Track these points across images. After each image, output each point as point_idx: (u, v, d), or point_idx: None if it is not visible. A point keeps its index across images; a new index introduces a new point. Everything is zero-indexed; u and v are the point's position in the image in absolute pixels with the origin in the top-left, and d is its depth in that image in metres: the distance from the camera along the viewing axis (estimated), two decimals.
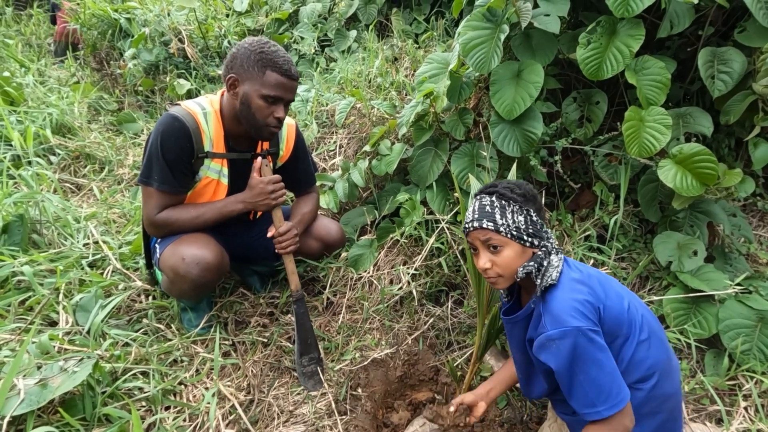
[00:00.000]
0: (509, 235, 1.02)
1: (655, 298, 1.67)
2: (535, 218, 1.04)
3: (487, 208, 1.04)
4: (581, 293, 0.97)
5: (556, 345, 0.93)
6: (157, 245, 1.55)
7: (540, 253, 1.04)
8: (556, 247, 1.07)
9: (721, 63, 1.66)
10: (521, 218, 1.02)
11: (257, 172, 1.54)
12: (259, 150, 1.61)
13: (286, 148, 1.68)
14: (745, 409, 1.43)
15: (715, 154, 1.61)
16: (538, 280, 1.01)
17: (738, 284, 1.58)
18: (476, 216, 1.05)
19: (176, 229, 1.50)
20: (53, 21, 5.33)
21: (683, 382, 1.49)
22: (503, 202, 1.04)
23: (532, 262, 1.03)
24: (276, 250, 1.56)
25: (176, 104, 1.49)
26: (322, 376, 1.52)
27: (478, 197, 1.08)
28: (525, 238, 1.03)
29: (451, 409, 1.27)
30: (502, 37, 1.69)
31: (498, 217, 1.02)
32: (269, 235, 1.56)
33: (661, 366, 1.02)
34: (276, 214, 1.56)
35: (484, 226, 1.03)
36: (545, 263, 1.02)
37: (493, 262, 1.04)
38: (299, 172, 1.75)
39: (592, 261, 1.77)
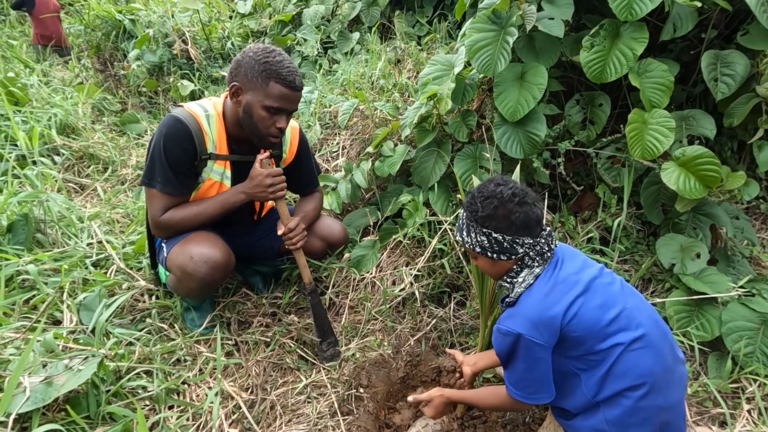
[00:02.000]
0: (475, 251, 1.10)
1: (657, 300, 1.67)
2: (499, 237, 1.05)
3: (460, 222, 1.13)
4: (544, 306, 1.03)
5: (501, 337, 1.07)
6: (163, 244, 1.55)
7: (515, 267, 1.09)
8: (539, 255, 1.07)
9: (725, 66, 1.66)
10: (483, 238, 1.07)
11: (259, 163, 1.52)
12: (261, 153, 1.62)
13: (289, 150, 1.69)
14: (749, 412, 1.43)
15: (718, 157, 1.62)
16: (510, 296, 1.10)
17: (741, 287, 1.58)
18: (456, 226, 1.16)
19: (181, 228, 1.51)
20: (16, 7, 5.17)
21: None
22: (468, 221, 1.09)
23: (507, 278, 1.10)
24: (286, 246, 1.57)
25: (179, 106, 1.50)
26: (340, 351, 1.63)
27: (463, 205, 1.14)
28: (489, 254, 1.08)
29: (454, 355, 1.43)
30: (510, 40, 1.69)
31: (465, 233, 1.10)
32: (279, 232, 1.56)
33: (652, 378, 1.00)
34: (282, 211, 1.57)
35: (458, 239, 1.15)
36: (515, 281, 1.09)
37: (476, 264, 1.17)
38: (302, 175, 1.76)
39: None
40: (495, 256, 1.07)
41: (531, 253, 1.06)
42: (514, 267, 1.09)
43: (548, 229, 1.09)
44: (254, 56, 1.39)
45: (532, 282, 1.06)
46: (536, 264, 1.07)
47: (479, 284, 1.46)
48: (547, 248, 1.07)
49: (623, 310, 1.03)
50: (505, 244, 1.04)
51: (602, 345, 1.01)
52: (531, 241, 1.05)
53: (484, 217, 1.04)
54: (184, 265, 1.45)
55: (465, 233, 1.09)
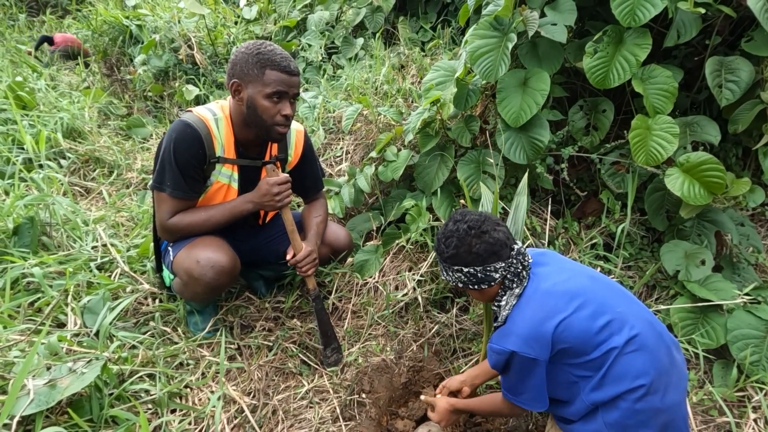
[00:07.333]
0: (459, 286, 1.14)
1: (662, 307, 1.66)
2: (471, 270, 1.09)
3: (439, 264, 1.17)
4: (533, 322, 1.05)
5: (496, 356, 1.11)
6: (170, 248, 1.56)
7: (500, 291, 1.13)
8: (515, 276, 1.10)
9: (729, 72, 1.66)
10: (459, 275, 1.11)
11: (265, 171, 1.55)
12: (268, 156, 1.63)
13: (294, 153, 1.70)
14: (755, 421, 1.41)
15: (723, 163, 1.61)
16: (498, 319, 1.14)
17: (746, 294, 1.57)
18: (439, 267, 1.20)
19: (189, 232, 1.52)
20: (44, 43, 5.27)
21: (691, 393, 1.47)
22: (441, 263, 1.14)
23: (495, 303, 1.14)
24: (297, 273, 1.60)
25: (188, 111, 1.51)
26: (343, 356, 1.64)
27: None
28: (471, 287, 1.12)
29: (437, 391, 1.40)
30: (510, 45, 1.70)
31: (445, 274, 1.16)
32: (288, 257, 1.57)
33: (649, 379, 1.01)
34: (286, 217, 1.56)
35: (443, 279, 1.20)
36: (500, 304, 1.12)
37: (470, 295, 1.21)
38: (307, 178, 1.76)
39: (598, 269, 1.77)
40: (476, 287, 1.11)
41: (508, 276, 1.10)
42: (500, 291, 1.12)
43: (516, 247, 1.12)
44: (246, 50, 1.42)
45: (515, 302, 1.10)
46: (515, 285, 1.10)
47: None
48: (521, 267, 1.10)
49: (615, 315, 1.04)
50: (479, 274, 1.09)
51: (597, 352, 1.03)
52: (503, 264, 1.09)
53: (450, 256, 1.10)
54: (190, 270, 1.46)
55: (445, 273, 1.15)
